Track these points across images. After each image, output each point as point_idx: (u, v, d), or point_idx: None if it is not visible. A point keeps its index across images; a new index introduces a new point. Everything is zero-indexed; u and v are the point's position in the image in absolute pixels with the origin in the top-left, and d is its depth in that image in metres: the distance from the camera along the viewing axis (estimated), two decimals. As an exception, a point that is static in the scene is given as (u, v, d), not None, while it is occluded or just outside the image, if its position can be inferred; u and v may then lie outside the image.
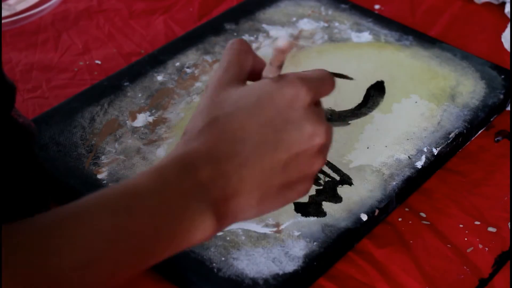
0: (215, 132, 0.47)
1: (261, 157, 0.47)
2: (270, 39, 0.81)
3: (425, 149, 0.68)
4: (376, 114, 0.72)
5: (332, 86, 0.51)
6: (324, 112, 0.51)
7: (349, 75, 0.76)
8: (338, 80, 0.78)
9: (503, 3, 0.88)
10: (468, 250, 0.63)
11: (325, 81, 0.51)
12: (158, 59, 0.78)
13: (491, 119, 0.74)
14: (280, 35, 0.47)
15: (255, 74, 0.52)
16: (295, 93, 0.48)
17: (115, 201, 0.43)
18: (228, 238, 0.61)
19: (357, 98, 0.74)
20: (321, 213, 0.63)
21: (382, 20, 0.83)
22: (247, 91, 0.49)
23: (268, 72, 0.50)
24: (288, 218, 0.62)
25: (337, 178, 0.66)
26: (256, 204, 0.48)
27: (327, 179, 0.66)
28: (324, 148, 0.50)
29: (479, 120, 0.72)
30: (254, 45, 0.80)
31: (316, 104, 0.51)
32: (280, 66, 0.49)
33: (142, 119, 0.71)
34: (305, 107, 0.48)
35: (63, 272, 0.40)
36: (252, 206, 0.48)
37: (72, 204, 0.43)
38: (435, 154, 0.68)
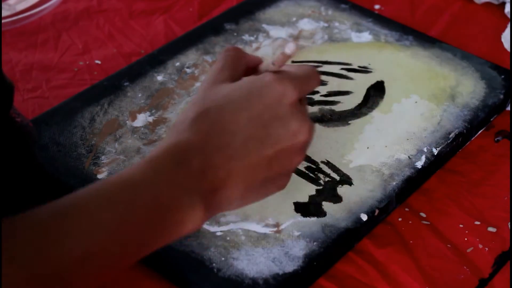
0: (207, 123, 0.49)
1: (249, 151, 0.49)
2: (270, 39, 0.81)
3: (425, 149, 0.68)
4: (376, 114, 0.72)
5: (317, 82, 0.54)
6: (307, 110, 0.54)
7: (349, 75, 0.77)
8: (338, 80, 0.78)
9: (503, 3, 0.88)
10: (468, 250, 0.63)
11: (311, 77, 0.53)
12: (158, 59, 0.78)
13: (491, 119, 0.74)
14: (288, 42, 0.50)
15: (250, 70, 0.55)
16: (283, 90, 0.50)
17: (114, 194, 0.44)
18: (228, 238, 0.61)
19: (357, 98, 0.74)
20: (321, 213, 0.63)
21: (382, 20, 0.83)
22: (239, 85, 0.51)
23: (267, 68, 0.53)
24: (288, 218, 0.62)
25: (337, 178, 0.66)
26: (240, 196, 0.49)
27: (327, 179, 0.66)
28: (306, 145, 0.52)
29: (479, 120, 0.72)
30: (254, 45, 0.80)
31: (301, 101, 0.53)
32: (281, 66, 0.52)
33: (142, 119, 0.71)
34: (291, 104, 0.50)
35: (64, 264, 0.41)
36: (237, 198, 0.49)
37: (70, 196, 0.44)
38: (435, 154, 0.68)
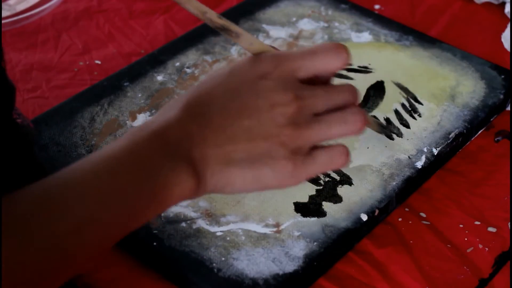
0: (184, 100, 0.50)
1: (224, 119, 0.49)
2: (270, 39, 0.81)
3: (425, 149, 0.68)
4: (376, 114, 0.72)
5: (334, 58, 0.50)
6: (315, 85, 0.51)
7: (349, 75, 0.77)
8: (338, 80, 0.78)
9: (503, 3, 0.88)
10: (468, 250, 0.63)
11: (317, 53, 0.50)
12: (158, 59, 0.78)
13: (491, 119, 0.74)
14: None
15: None
16: (264, 67, 0.50)
17: (96, 165, 0.46)
18: (228, 238, 0.61)
19: (357, 98, 0.74)
20: (321, 213, 0.63)
21: (382, 20, 0.83)
22: (228, 66, 0.52)
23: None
24: (288, 218, 0.62)
25: (337, 178, 0.66)
26: (224, 167, 0.48)
27: (327, 179, 0.66)
28: (295, 118, 0.49)
29: (479, 120, 0.72)
30: (254, 45, 0.80)
31: (310, 80, 0.50)
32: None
33: (142, 119, 0.71)
34: (275, 79, 0.49)
35: (59, 237, 0.43)
36: (221, 170, 0.48)
37: (58, 173, 0.46)
38: (435, 154, 0.68)
